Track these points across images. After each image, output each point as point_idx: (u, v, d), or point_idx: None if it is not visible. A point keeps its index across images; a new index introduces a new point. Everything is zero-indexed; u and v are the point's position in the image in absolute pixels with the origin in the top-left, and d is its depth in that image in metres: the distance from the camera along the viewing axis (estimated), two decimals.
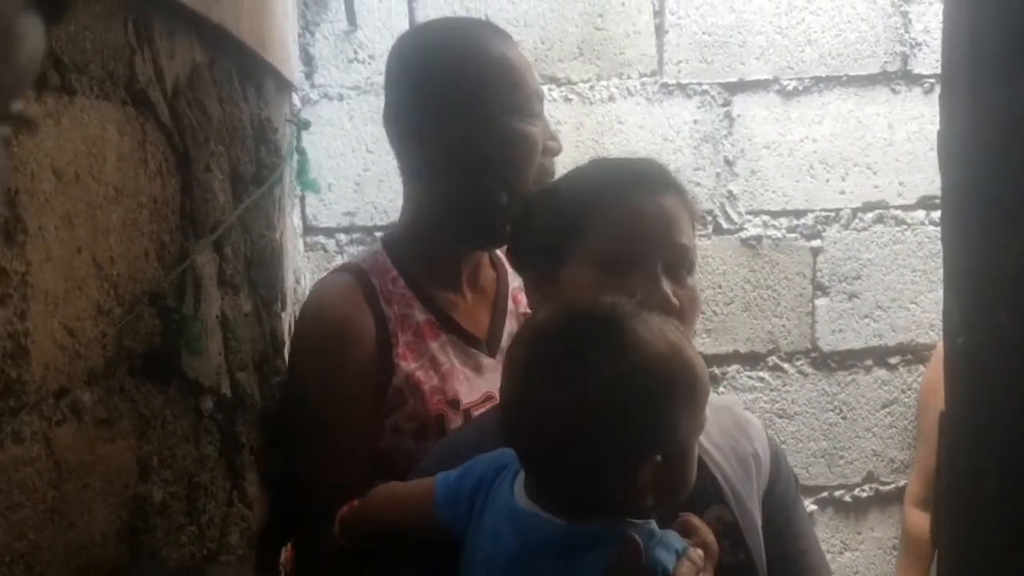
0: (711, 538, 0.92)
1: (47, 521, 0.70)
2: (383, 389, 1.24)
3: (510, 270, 1.36)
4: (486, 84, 1.28)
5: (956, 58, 0.86)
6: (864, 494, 2.22)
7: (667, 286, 1.01)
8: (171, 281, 0.93)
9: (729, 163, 2.16)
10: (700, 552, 0.87)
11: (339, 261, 2.04)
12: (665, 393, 0.85)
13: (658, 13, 2.13)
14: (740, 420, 1.15)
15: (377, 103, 2.04)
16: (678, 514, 0.93)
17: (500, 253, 1.40)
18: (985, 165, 0.81)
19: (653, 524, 0.88)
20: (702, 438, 1.09)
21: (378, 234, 2.09)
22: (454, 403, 1.25)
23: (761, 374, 2.19)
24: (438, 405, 1.24)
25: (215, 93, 1.14)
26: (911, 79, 2.13)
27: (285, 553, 1.43)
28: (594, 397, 0.83)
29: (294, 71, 1.71)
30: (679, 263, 1.04)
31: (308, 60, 2.10)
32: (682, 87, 2.15)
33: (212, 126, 1.10)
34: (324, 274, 1.54)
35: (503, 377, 0.91)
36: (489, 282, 1.38)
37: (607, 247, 1.03)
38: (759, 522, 1.07)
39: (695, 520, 0.93)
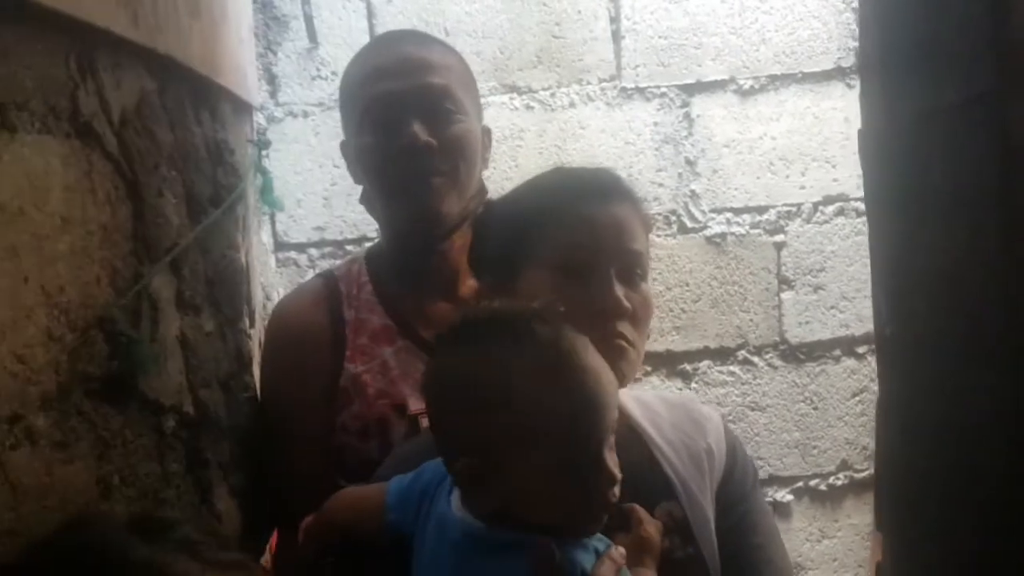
0: (653, 531, 0.95)
1: (4, 542, 0.73)
2: (332, 389, 1.29)
3: None
4: (343, 103, 1.40)
5: (870, 60, 0.90)
6: (839, 482, 2.25)
7: (620, 291, 1.05)
8: (124, 305, 0.95)
9: (690, 163, 2.20)
10: (622, 551, 0.89)
11: (311, 275, 2.07)
12: (568, 400, 0.86)
13: (614, 19, 2.16)
14: (695, 416, 1.17)
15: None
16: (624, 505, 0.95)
17: None
18: (899, 162, 0.85)
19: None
20: (655, 435, 1.12)
21: (349, 247, 2.12)
22: (400, 408, 1.29)
23: (731, 368, 2.23)
24: (382, 408, 1.29)
25: (166, 119, 1.16)
26: None
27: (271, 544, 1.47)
28: (494, 408, 0.86)
29: (252, 92, 1.73)
30: (632, 269, 1.08)
31: (271, 79, 2.13)
32: (641, 91, 2.18)
33: (163, 152, 1.12)
34: None
35: (422, 384, 0.95)
36: (470, 291, 1.41)
37: (562, 254, 1.07)
38: (711, 517, 1.09)
39: (640, 512, 0.96)
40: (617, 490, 0.89)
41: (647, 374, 2.17)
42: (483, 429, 0.86)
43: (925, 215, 0.78)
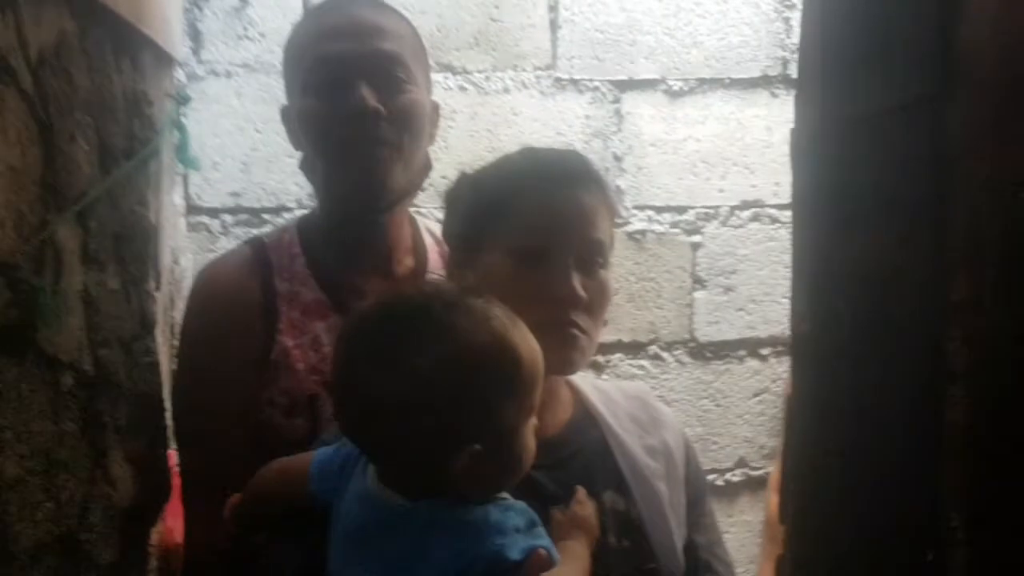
0: (590, 512, 0.95)
1: None
2: (262, 362, 1.24)
3: (433, 260, 1.38)
4: (287, 64, 1.35)
5: (810, 61, 0.92)
6: (736, 479, 2.32)
7: (577, 279, 1.04)
8: (28, 252, 0.90)
9: (618, 159, 2.21)
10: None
11: (223, 243, 2.00)
12: (481, 382, 0.86)
13: (552, 8, 2.16)
14: (651, 409, 1.19)
15: (267, 82, 2.02)
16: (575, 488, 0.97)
17: (432, 243, 1.41)
18: (830, 164, 0.87)
19: (493, 508, 0.88)
20: (611, 423, 1.12)
21: (265, 216, 2.06)
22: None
23: (642, 362, 2.26)
24: (312, 385, 1.25)
25: (85, 63, 1.10)
26: (790, 84, 2.23)
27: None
28: (402, 388, 0.84)
29: (176, 45, 1.66)
30: (592, 257, 1.07)
31: (196, 35, 2.04)
32: (575, 82, 2.19)
33: (79, 97, 1.06)
34: (207, 255, 1.55)
35: (331, 364, 0.92)
36: (406, 270, 1.38)
37: (521, 238, 1.06)
38: (668, 508, 1.10)
39: (582, 495, 0.97)
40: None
41: None
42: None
43: (853, 217, 0.80)
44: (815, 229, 0.88)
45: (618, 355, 2.25)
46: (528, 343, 0.90)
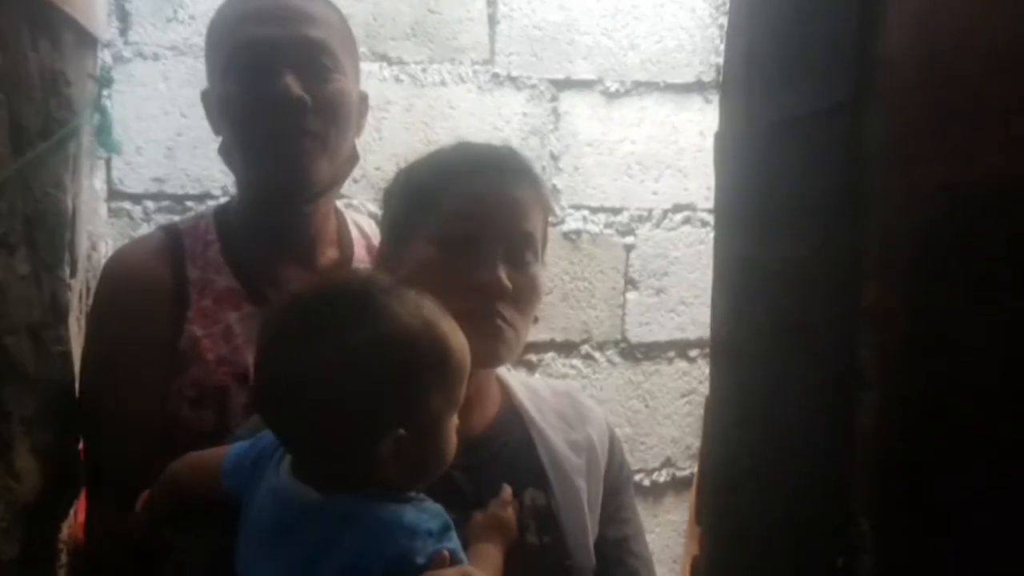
0: (510, 515, 0.95)
1: None
2: (170, 351, 1.21)
3: (359, 253, 1.36)
4: (210, 47, 1.31)
5: (734, 66, 0.92)
6: (661, 479, 2.34)
7: (503, 270, 1.03)
8: None
9: (555, 158, 2.22)
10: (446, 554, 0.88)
11: (145, 229, 1.94)
12: (408, 367, 0.86)
13: (491, 2, 2.15)
14: (579, 406, 1.19)
15: (195, 65, 1.96)
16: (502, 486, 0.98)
17: (359, 235, 1.39)
18: (753, 169, 0.87)
19: (409, 508, 0.87)
20: (536, 418, 1.12)
21: (189, 204, 2.01)
22: (243, 377, 1.22)
23: (574, 362, 2.27)
24: (222, 376, 1.21)
25: None
26: None
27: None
28: (331, 368, 0.84)
29: (100, 25, 1.60)
30: (520, 249, 1.06)
31: (123, 16, 1.98)
32: (512, 79, 2.18)
33: None
34: (127, 241, 1.51)
35: (255, 348, 0.90)
36: (329, 261, 1.35)
37: (449, 227, 1.05)
38: (586, 504, 1.10)
39: (507, 494, 0.98)
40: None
41: None
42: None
43: (774, 221, 0.81)
44: (736, 233, 0.89)
45: (551, 354, 2.25)
46: (458, 336, 0.90)
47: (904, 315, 0.63)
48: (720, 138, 0.92)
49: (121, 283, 1.27)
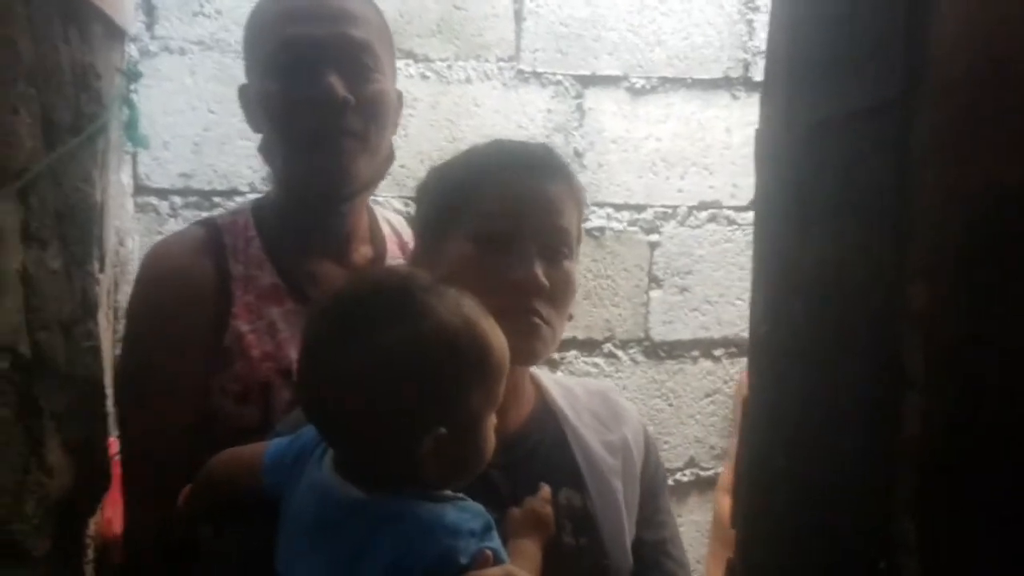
0: (547, 511, 0.95)
1: None
2: (214, 347, 1.21)
3: (391, 249, 1.36)
4: (250, 44, 1.30)
5: (776, 63, 0.91)
6: (685, 479, 2.33)
7: (539, 267, 1.02)
8: None
9: (579, 154, 2.21)
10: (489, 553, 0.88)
11: (172, 225, 1.96)
12: (448, 365, 0.85)
13: None
14: (614, 405, 1.18)
15: (222, 60, 1.97)
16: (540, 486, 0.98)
17: (391, 232, 1.39)
18: (793, 166, 0.86)
19: (451, 508, 0.87)
20: (571, 417, 1.12)
21: (216, 199, 2.02)
22: (287, 373, 1.22)
23: (596, 360, 2.26)
24: (266, 372, 1.21)
25: (29, 31, 1.05)
26: (751, 86, 2.24)
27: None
28: (374, 366, 0.84)
29: (128, 18, 1.60)
30: (556, 246, 1.06)
31: (150, 10, 1.99)
32: (537, 75, 2.17)
33: (23, 66, 1.02)
34: (154, 237, 1.51)
35: (300, 346, 0.90)
36: (363, 258, 1.35)
37: (485, 224, 1.04)
38: (624, 506, 1.09)
39: (545, 493, 0.98)
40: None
41: None
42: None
43: (815, 221, 0.80)
44: (776, 232, 0.88)
45: (573, 352, 2.25)
46: (497, 334, 0.90)
47: (951, 316, 0.62)
48: (760, 136, 0.91)
49: (165, 278, 1.26)
